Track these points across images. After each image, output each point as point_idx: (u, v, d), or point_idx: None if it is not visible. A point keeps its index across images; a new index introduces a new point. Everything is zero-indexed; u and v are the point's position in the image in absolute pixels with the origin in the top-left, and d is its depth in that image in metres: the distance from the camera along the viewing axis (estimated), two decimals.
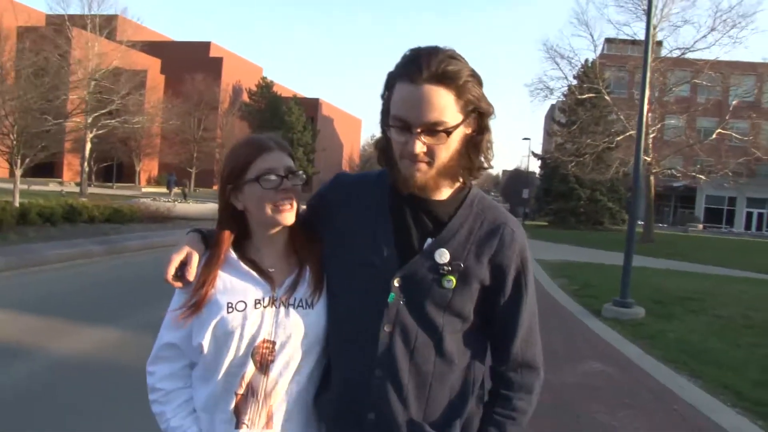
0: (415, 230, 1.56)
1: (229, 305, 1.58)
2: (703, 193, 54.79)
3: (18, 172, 18.21)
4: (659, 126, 31.31)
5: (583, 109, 37.37)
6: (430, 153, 1.46)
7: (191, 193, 44.99)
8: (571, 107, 40.38)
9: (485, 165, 1.57)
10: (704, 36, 30.25)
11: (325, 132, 75.98)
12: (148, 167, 60.19)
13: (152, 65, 57.07)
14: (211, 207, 22.61)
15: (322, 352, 1.64)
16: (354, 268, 1.58)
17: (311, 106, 74.39)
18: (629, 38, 33.52)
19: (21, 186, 27.46)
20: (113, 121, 37.53)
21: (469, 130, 1.51)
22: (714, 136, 31.83)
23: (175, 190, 38.78)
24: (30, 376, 5.28)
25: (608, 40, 43.09)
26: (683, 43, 33.41)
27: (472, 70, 1.49)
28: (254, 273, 1.62)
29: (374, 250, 1.56)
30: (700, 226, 53.04)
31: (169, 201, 24.14)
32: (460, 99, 1.45)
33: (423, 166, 1.48)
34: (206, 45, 70.99)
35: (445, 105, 1.43)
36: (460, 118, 1.46)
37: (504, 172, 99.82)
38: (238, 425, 1.59)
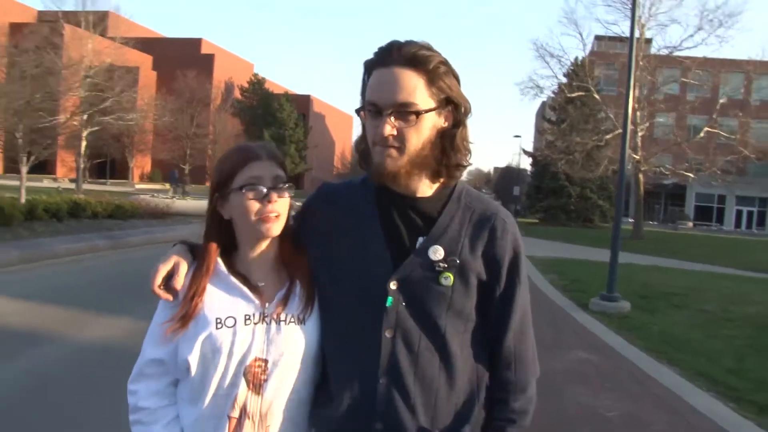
0: (405, 230, 1.54)
1: (218, 321, 1.52)
2: (693, 190, 55.19)
3: (24, 169, 18.57)
4: (647, 124, 31.75)
5: (573, 107, 37.73)
6: (400, 137, 1.46)
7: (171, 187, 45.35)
8: (561, 105, 40.59)
9: (463, 162, 1.55)
10: (691, 35, 30.81)
11: (317, 128, 76.16)
12: (141, 163, 60.29)
13: (144, 62, 57.02)
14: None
15: (316, 368, 1.61)
16: (347, 275, 1.55)
17: (303, 102, 74.52)
18: (618, 36, 33.90)
19: (15, 183, 27.66)
20: (108, 118, 37.79)
21: (443, 122, 1.51)
22: (702, 134, 32.35)
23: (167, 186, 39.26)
24: (57, 360, 5.69)
25: (598, 38, 43.41)
26: (670, 42, 33.69)
27: (446, 61, 1.50)
28: (243, 287, 1.57)
29: (366, 254, 1.53)
30: (690, 224, 53.52)
31: (170, 197, 24.55)
32: (432, 85, 1.47)
33: (393, 152, 1.47)
34: (197, 41, 70.92)
35: (414, 86, 1.45)
36: (431, 103, 1.47)
37: (495, 169, 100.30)
38: None
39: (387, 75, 1.46)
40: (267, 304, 1.56)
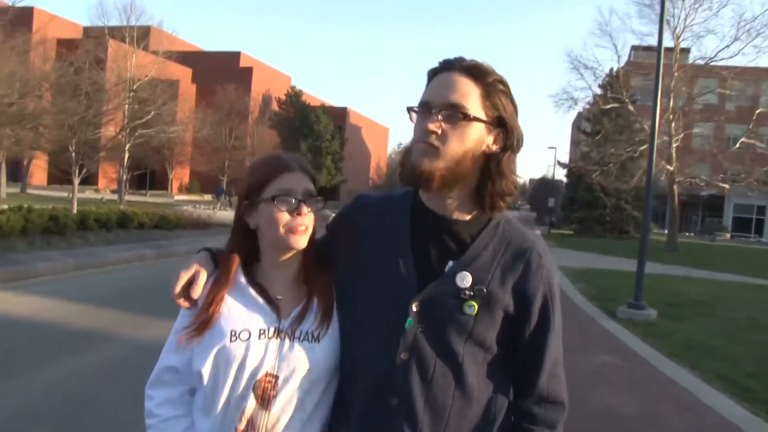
0: (436, 252, 1.51)
1: (233, 333, 1.52)
2: (731, 201, 54.45)
3: (76, 181, 19.53)
4: (682, 135, 31.61)
5: (608, 118, 37.72)
6: (443, 137, 1.43)
7: (217, 199, 46.45)
8: (596, 116, 40.54)
9: (508, 190, 1.50)
10: (727, 46, 30.30)
11: (353, 140, 76.75)
12: (179, 175, 61.56)
13: (184, 75, 58.33)
14: None
15: (328, 387, 1.58)
16: (371, 290, 1.53)
17: (339, 114, 75.18)
18: (654, 46, 33.74)
19: (61, 194, 28.66)
20: (150, 130, 38.91)
21: (491, 142, 1.49)
22: (737, 145, 32.13)
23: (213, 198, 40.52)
24: (120, 355, 6.28)
25: (635, 48, 43.18)
26: (705, 53, 33.53)
27: (506, 83, 1.50)
28: (261, 300, 1.56)
29: (392, 271, 1.50)
30: (728, 235, 52.77)
31: (212, 209, 25.49)
32: (486, 98, 1.46)
33: (431, 150, 1.43)
34: (236, 55, 72.23)
35: (468, 92, 1.44)
36: (481, 115, 1.45)
37: (531, 180, 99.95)
38: None
39: (445, 78, 1.47)
40: (283, 319, 1.55)
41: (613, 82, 35.38)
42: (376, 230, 1.57)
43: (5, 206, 14.20)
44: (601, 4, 69.80)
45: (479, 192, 1.50)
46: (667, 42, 29.20)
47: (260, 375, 1.51)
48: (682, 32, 30.35)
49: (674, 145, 29.90)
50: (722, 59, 30.56)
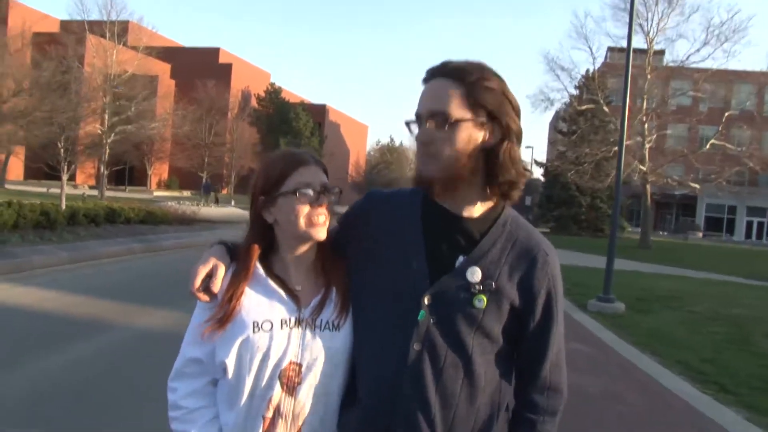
0: (447, 247, 1.56)
1: (255, 324, 1.56)
2: (704, 201, 55.52)
3: (64, 177, 19.77)
4: (655, 136, 32.36)
5: (584, 118, 38.38)
6: (435, 144, 1.49)
7: (203, 195, 46.54)
8: (572, 116, 41.15)
9: (513, 179, 1.55)
10: (698, 50, 31.10)
11: (332, 137, 76.95)
12: (158, 171, 61.40)
13: (163, 71, 57.89)
14: (231, 211, 24.38)
15: (349, 372, 1.64)
16: (384, 285, 1.58)
17: (318, 111, 75.27)
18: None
19: (39, 189, 28.65)
20: (130, 126, 38.89)
21: (484, 136, 1.52)
22: (707, 146, 32.97)
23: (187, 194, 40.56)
24: (120, 342, 6.71)
25: (611, 49, 43.69)
26: (677, 56, 34.22)
27: (492, 77, 1.53)
28: (281, 291, 1.60)
29: (405, 266, 1.55)
30: (700, 234, 53.78)
31: (200, 205, 25.98)
32: (469, 97, 1.49)
33: (428, 159, 1.51)
34: (215, 51, 71.91)
35: (448, 96, 1.49)
36: (466, 114, 1.49)
37: None
38: None
39: (429, 87, 1.53)
40: (303, 309, 1.60)
41: (589, 84, 35.94)
42: (389, 225, 1.63)
43: None
44: (577, 7, 70.62)
45: (489, 185, 1.56)
46: (641, 45, 30.05)
47: (285, 364, 1.56)
48: (656, 35, 31.17)
49: (647, 145, 30.67)
50: (693, 63, 31.37)
